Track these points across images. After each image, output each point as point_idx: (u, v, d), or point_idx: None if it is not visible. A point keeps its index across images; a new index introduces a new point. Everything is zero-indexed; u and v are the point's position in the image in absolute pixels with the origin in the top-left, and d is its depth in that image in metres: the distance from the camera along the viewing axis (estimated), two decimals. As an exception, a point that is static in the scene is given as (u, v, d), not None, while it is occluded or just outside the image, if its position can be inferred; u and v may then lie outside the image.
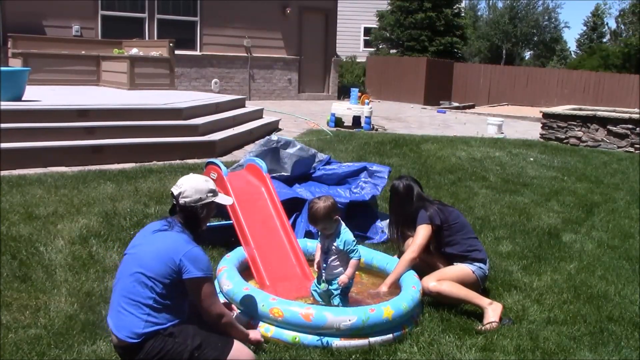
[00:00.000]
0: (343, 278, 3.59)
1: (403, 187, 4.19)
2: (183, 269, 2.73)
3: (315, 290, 3.74)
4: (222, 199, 3.06)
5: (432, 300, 3.90)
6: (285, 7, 16.91)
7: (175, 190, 2.91)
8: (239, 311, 3.38)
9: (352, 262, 3.63)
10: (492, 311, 3.68)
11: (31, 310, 3.50)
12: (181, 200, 2.88)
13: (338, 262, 3.64)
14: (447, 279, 3.82)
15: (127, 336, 2.69)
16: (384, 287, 3.86)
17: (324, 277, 3.67)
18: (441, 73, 21.37)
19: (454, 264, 4.01)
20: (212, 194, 2.97)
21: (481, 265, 3.99)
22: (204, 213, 2.94)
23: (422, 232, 3.96)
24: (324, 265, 3.66)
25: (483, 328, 3.60)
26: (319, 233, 3.75)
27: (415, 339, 3.42)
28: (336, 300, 3.63)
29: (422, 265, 4.00)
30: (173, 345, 2.69)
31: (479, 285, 3.98)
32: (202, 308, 2.81)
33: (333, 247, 3.61)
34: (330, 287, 3.64)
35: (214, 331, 2.86)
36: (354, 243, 3.63)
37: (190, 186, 2.90)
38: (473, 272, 3.93)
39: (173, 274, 2.73)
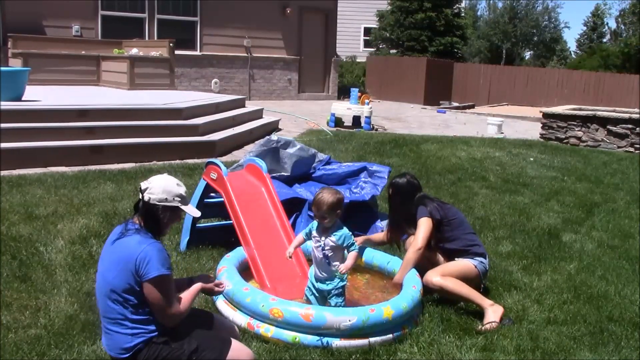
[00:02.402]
0: (342, 267, 3.55)
1: (406, 183, 4.18)
2: (139, 272, 2.57)
3: (310, 289, 3.73)
4: (190, 209, 2.81)
5: (433, 300, 3.91)
6: (285, 7, 16.91)
7: (143, 184, 2.75)
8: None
9: (353, 253, 3.61)
10: (493, 312, 3.69)
11: (31, 310, 3.50)
12: (145, 196, 2.70)
13: (334, 256, 3.62)
14: (451, 274, 3.83)
15: (118, 354, 2.64)
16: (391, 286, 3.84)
17: (318, 272, 3.66)
18: (441, 73, 21.37)
19: (456, 259, 4.01)
20: (179, 200, 2.74)
21: (482, 259, 4.01)
22: (165, 216, 2.72)
23: (424, 225, 3.95)
24: (319, 258, 3.65)
25: (483, 328, 3.60)
26: (313, 229, 3.70)
27: (415, 339, 3.42)
28: (334, 301, 3.62)
29: (423, 262, 3.99)
30: (169, 352, 2.62)
31: (481, 279, 3.99)
32: (155, 313, 2.61)
33: (330, 242, 3.59)
34: (326, 287, 3.63)
35: (212, 331, 2.83)
36: (351, 237, 3.64)
37: (159, 184, 2.72)
38: (475, 267, 3.94)
39: (135, 279, 2.59)
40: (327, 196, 3.55)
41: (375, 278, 4.28)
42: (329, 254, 3.60)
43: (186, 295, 2.75)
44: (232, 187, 4.26)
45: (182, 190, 2.77)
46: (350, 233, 3.64)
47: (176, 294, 2.71)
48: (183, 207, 2.77)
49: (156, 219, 2.71)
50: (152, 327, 2.64)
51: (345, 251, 3.62)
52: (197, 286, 2.83)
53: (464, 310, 3.83)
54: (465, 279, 3.85)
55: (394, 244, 4.48)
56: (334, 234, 3.58)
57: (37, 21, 12.61)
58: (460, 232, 4.06)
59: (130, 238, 2.65)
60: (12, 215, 5.09)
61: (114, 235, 2.74)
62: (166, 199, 2.70)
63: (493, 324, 3.63)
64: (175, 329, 2.68)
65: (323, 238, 3.61)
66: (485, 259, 4.06)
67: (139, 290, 2.59)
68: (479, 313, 3.76)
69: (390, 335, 3.38)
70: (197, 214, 2.92)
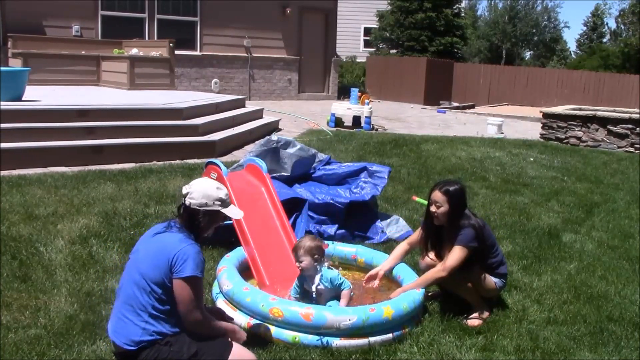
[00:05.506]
0: None
1: (461, 189, 3.74)
2: (174, 267, 2.66)
3: (295, 289, 3.73)
4: (231, 211, 2.90)
5: (433, 301, 3.92)
6: (285, 7, 16.90)
7: (185, 189, 2.86)
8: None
9: (345, 292, 3.61)
10: (480, 312, 3.76)
11: (31, 310, 3.50)
12: (187, 201, 2.81)
13: (328, 297, 3.63)
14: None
15: (124, 343, 2.67)
16: (398, 295, 3.68)
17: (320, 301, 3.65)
18: (441, 73, 21.36)
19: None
20: (219, 203, 2.84)
21: (503, 279, 3.92)
22: (205, 220, 2.83)
23: (460, 254, 3.64)
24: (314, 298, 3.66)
25: (468, 321, 3.69)
26: (298, 285, 3.71)
27: (415, 339, 3.42)
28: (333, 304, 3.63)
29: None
30: (168, 354, 2.66)
31: (496, 294, 3.93)
32: (181, 311, 2.68)
33: (321, 289, 3.59)
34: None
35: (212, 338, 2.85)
36: (339, 277, 3.63)
37: (199, 189, 2.82)
38: (495, 284, 3.84)
39: (169, 274, 2.67)
40: (305, 240, 3.60)
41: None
42: (323, 299, 3.61)
43: (219, 322, 2.90)
44: (232, 187, 4.26)
45: (222, 193, 2.86)
46: (337, 273, 3.64)
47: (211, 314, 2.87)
48: (223, 210, 2.87)
49: (197, 223, 2.82)
50: (162, 329, 2.69)
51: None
52: (233, 327, 2.97)
53: (464, 310, 3.82)
54: (483, 289, 3.81)
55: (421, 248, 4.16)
56: (322, 282, 3.58)
57: (37, 21, 12.61)
58: (492, 255, 3.85)
59: (173, 235, 2.76)
60: (12, 215, 5.09)
61: (155, 229, 2.85)
62: (206, 203, 2.81)
63: (476, 321, 3.70)
64: (183, 332, 2.73)
65: (313, 287, 3.61)
66: (506, 278, 3.96)
67: (167, 285, 2.67)
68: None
69: (390, 335, 3.38)
70: (239, 215, 2.99)
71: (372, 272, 4.00)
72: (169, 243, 2.72)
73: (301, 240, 3.66)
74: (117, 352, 2.75)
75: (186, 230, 2.80)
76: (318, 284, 3.59)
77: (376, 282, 3.93)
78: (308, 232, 4.77)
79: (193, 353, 2.69)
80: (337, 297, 3.62)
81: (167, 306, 2.70)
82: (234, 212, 2.93)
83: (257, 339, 3.29)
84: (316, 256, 3.57)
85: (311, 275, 3.61)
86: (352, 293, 3.67)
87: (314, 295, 3.62)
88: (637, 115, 11.54)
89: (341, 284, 3.61)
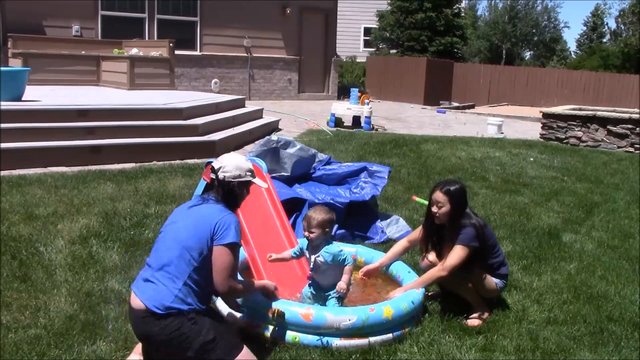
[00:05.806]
0: (342, 284, 3.54)
1: (461, 188, 3.75)
2: (216, 235, 2.77)
3: (307, 295, 3.72)
4: (258, 181, 3.11)
5: (433, 301, 3.92)
6: (285, 7, 16.91)
7: (216, 164, 2.98)
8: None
9: (347, 268, 3.59)
10: (481, 312, 3.75)
11: (31, 310, 3.50)
12: (220, 175, 2.94)
13: (329, 272, 3.61)
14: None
15: (154, 305, 2.70)
16: (399, 294, 3.68)
17: (319, 280, 3.65)
18: (441, 73, 21.37)
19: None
20: (250, 174, 3.03)
21: (504, 280, 3.92)
22: (240, 191, 3.00)
23: (461, 253, 3.63)
24: (312, 273, 3.65)
25: (469, 321, 3.68)
26: (304, 247, 3.70)
27: (415, 339, 3.42)
28: (332, 302, 3.61)
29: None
30: (189, 330, 2.70)
31: (497, 295, 3.93)
32: (217, 279, 2.78)
33: (320, 262, 3.57)
34: (328, 298, 3.62)
35: (230, 330, 2.91)
36: (342, 252, 3.61)
37: (231, 162, 2.98)
38: (496, 285, 3.84)
39: (210, 242, 2.78)
40: (319, 213, 3.58)
41: (374, 278, 4.27)
42: (321, 273, 3.60)
43: (249, 283, 3.14)
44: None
45: (250, 164, 3.05)
46: (340, 249, 3.62)
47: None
48: (254, 180, 3.06)
49: (234, 194, 2.98)
50: (191, 301, 2.74)
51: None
52: (263, 282, 3.21)
53: (464, 310, 3.82)
54: (483, 289, 3.81)
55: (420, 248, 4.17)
56: (322, 253, 3.56)
57: (37, 21, 12.61)
58: (493, 256, 3.85)
59: (212, 205, 2.90)
60: (12, 215, 5.09)
61: (190, 203, 2.99)
62: (239, 175, 2.97)
63: (476, 321, 3.69)
64: (207, 315, 2.81)
65: (313, 257, 3.61)
66: (507, 279, 3.96)
67: (206, 253, 2.77)
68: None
69: (390, 335, 3.38)
70: (266, 185, 3.26)
71: (371, 266, 4.03)
72: (210, 213, 2.84)
73: (315, 211, 3.60)
74: (139, 311, 2.73)
75: (222, 202, 2.93)
76: (318, 255, 3.56)
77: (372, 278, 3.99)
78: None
79: (210, 339, 2.72)
80: (338, 279, 3.57)
81: (201, 278, 2.77)
82: (261, 182, 3.16)
83: (257, 339, 3.29)
84: (327, 230, 3.57)
85: (316, 246, 3.60)
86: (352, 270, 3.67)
87: (311, 266, 3.61)
88: (637, 115, 11.55)
89: (344, 259, 3.58)
